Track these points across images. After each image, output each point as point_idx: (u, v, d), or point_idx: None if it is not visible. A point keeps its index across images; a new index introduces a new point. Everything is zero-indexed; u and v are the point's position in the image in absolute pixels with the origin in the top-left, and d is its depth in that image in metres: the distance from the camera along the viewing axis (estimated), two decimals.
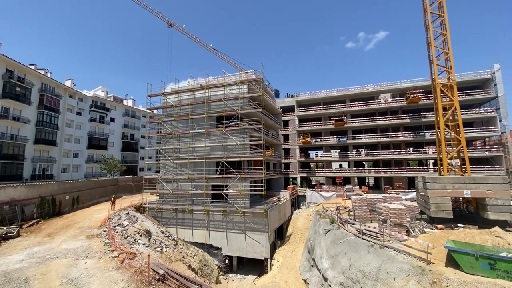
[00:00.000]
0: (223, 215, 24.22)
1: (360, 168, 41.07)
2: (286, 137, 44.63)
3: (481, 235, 12.39)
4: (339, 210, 22.22)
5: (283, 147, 42.95)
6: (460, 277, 9.78)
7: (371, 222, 17.91)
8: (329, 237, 17.03)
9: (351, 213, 20.91)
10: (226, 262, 23.45)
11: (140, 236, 20.31)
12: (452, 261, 10.68)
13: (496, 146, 34.04)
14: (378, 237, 14.01)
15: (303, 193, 36.45)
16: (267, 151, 31.34)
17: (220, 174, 25.41)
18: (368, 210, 18.71)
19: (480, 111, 35.21)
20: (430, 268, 10.59)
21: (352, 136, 39.81)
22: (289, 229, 28.88)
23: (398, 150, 37.25)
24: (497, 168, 32.38)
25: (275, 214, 25.11)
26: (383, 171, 37.17)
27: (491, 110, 34.53)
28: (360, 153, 41.50)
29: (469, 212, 16.37)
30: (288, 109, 44.67)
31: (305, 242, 21.91)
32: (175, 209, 26.40)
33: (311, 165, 52.94)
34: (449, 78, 19.91)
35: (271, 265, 22.22)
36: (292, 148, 43.68)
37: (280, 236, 27.64)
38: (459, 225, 14.86)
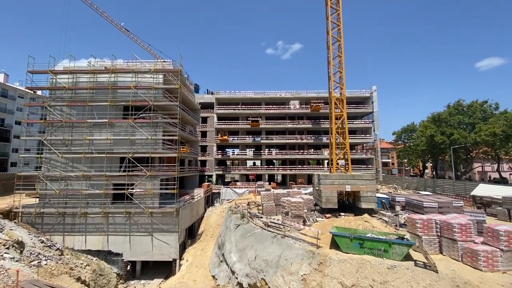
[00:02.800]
0: (127, 217, 21.75)
1: (270, 166, 44.68)
2: (204, 134, 43.97)
3: (356, 221, 15.46)
4: (249, 206, 23.43)
5: (200, 144, 42.12)
6: (340, 256, 11.89)
7: (276, 215, 19.68)
8: (238, 232, 17.74)
9: (260, 207, 22.41)
10: (128, 268, 21.17)
11: (8, 248, 15.93)
12: (334, 244, 12.89)
13: (370, 151, 43.30)
14: (280, 228, 15.51)
15: (217, 190, 36.75)
16: (183, 148, 30.04)
17: (125, 171, 22.66)
18: (274, 204, 20.48)
19: (361, 122, 44.01)
20: (319, 252, 12.48)
21: (266, 137, 42.88)
22: (201, 227, 28.55)
23: (302, 151, 42.51)
24: (370, 168, 41.20)
25: (187, 213, 24.34)
26: (289, 169, 41.60)
27: (368, 122, 43.63)
28: (272, 152, 45.12)
29: (349, 203, 20.20)
30: (208, 106, 44.14)
31: (216, 238, 22.12)
32: (62, 213, 21.96)
33: (228, 163, 54.02)
34: (341, 93, 23.94)
35: (180, 265, 21.43)
36: (210, 145, 43.43)
37: (191, 234, 26.98)
38: (341, 213, 18.12)
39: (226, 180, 46.55)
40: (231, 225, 19.08)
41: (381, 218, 17.09)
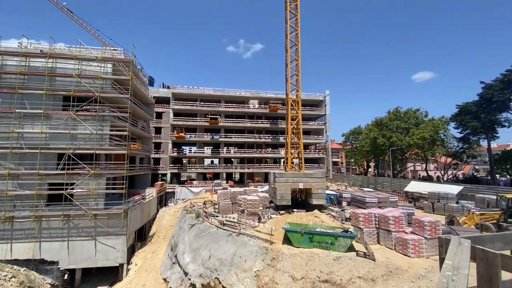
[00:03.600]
0: (65, 220, 19.47)
1: (229, 164, 44.55)
2: (158, 130, 41.66)
3: (307, 216, 16.34)
4: (205, 205, 23.02)
5: (154, 141, 39.82)
6: (291, 251, 12.43)
7: (233, 213, 19.70)
8: (193, 232, 17.28)
9: (217, 206, 22.18)
10: (66, 277, 18.97)
11: None
12: (287, 239, 13.42)
13: (322, 150, 46.18)
14: (236, 226, 15.56)
15: (172, 190, 35.24)
16: (133, 144, 28.04)
17: (63, 169, 20.20)
18: (231, 202, 20.47)
19: (315, 124, 46.64)
20: (272, 247, 12.86)
21: (224, 135, 42.54)
22: (153, 228, 27.07)
23: (260, 150, 43.32)
24: (321, 166, 43.92)
25: (137, 214, 22.83)
26: (247, 168, 42.03)
27: (321, 124, 46.45)
28: (230, 151, 44.98)
29: (302, 200, 21.28)
30: (163, 101, 41.89)
31: (169, 240, 21.22)
32: None
33: (184, 161, 52.16)
34: (297, 95, 25.01)
35: (128, 270, 20.00)
36: (164, 142, 41.35)
37: (142, 237, 25.39)
38: (294, 210, 18.99)
39: (181, 179, 44.94)
40: (185, 225, 18.49)
41: (329, 213, 18.37)
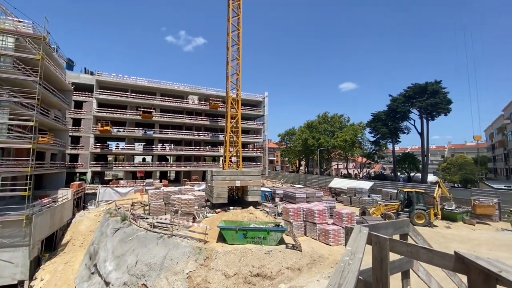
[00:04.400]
0: None
1: (163, 162, 41.82)
2: (77, 122, 36.04)
3: (242, 213, 16.69)
4: (134, 206, 21.10)
5: (71, 134, 34.35)
6: (225, 248, 12.48)
7: (165, 214, 18.61)
8: (117, 237, 15.64)
9: (147, 207, 20.59)
10: None
11: None
12: (221, 237, 13.42)
13: (260, 149, 47.88)
14: (168, 228, 14.75)
15: (94, 191, 31.08)
16: (43, 137, 23.58)
17: None
18: (163, 202, 19.29)
19: (254, 124, 48.02)
20: (206, 247, 12.67)
21: (159, 130, 39.78)
22: (66, 235, 23.36)
23: (198, 147, 42.13)
24: (258, 165, 45.52)
25: (45, 220, 19.30)
26: (183, 166, 40.30)
27: (260, 124, 48.09)
28: (166, 147, 42.36)
29: (238, 197, 21.62)
30: (85, 88, 36.42)
31: (88, 247, 18.69)
32: None
33: (109, 158, 46.68)
34: (237, 94, 25.25)
35: (31, 287, 16.74)
36: (85, 136, 36.05)
37: (51, 246, 21.61)
38: (230, 207, 19.14)
39: (106, 178, 40.10)
40: (108, 230, 16.58)
41: (263, 209, 19.17)
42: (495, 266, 1.87)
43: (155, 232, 14.59)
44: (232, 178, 19.56)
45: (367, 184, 29.23)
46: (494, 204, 20.42)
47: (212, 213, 18.14)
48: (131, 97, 38.23)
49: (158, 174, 42.63)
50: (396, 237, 3.82)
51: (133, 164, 39.94)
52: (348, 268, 1.72)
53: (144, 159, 46.89)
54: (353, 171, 72.49)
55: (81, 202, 29.44)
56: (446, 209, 20.86)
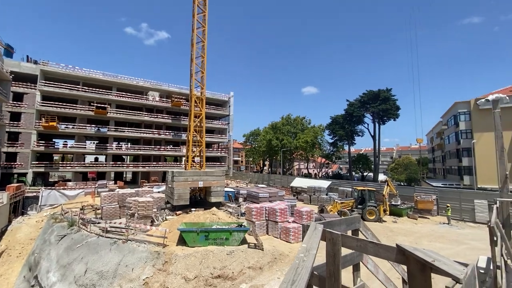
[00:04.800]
0: None
1: (119, 162, 38.95)
2: (15, 116, 31.71)
3: (205, 214, 16.32)
4: (83, 210, 19.33)
5: (8, 130, 30.14)
6: (185, 251, 12.08)
7: (120, 218, 17.37)
8: (64, 244, 14.15)
9: (99, 211, 18.99)
10: None
11: None
12: (182, 240, 12.96)
13: (225, 150, 47.46)
14: (123, 232, 13.78)
15: (35, 194, 27.65)
16: None
17: None
18: (118, 206, 17.98)
19: (219, 123, 47.42)
20: (165, 251, 12.12)
21: (115, 128, 36.98)
22: (0, 245, 20.41)
23: (159, 147, 40.15)
24: (223, 165, 45.05)
25: None
26: (141, 166, 38.06)
27: (225, 124, 47.65)
28: (122, 146, 39.58)
29: (201, 198, 21.13)
30: (27, 79, 32.18)
31: (27, 258, 16.58)
32: None
33: (56, 157, 42.01)
34: (201, 92, 24.70)
35: None
36: (26, 132, 31.88)
37: None
38: (192, 209, 18.61)
39: (51, 180, 35.97)
40: (52, 237, 14.91)
41: (226, 210, 19.03)
42: (429, 256, 2.09)
43: (108, 237, 13.52)
44: (195, 178, 19.04)
45: (325, 183, 30.85)
46: (433, 200, 23.12)
47: (173, 215, 17.43)
48: (82, 91, 34.89)
49: (112, 175, 39.60)
50: (353, 233, 4.08)
51: (84, 164, 36.49)
52: (302, 264, 1.77)
53: (96, 159, 43.16)
54: (313, 171, 75.95)
55: (19, 207, 25.94)
56: (393, 205, 23.00)
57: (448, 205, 21.48)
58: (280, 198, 21.11)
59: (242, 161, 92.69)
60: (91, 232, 14.38)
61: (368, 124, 50.16)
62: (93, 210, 19.77)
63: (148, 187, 26.84)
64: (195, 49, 23.89)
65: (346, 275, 4.37)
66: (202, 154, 23.20)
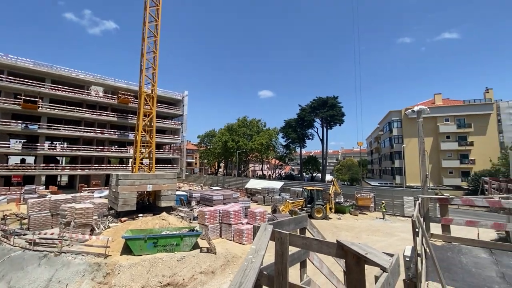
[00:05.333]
0: None
1: (52, 165, 34.20)
2: None
3: (153, 220, 15.38)
4: (5, 220, 16.47)
5: None
6: (131, 260, 11.21)
7: (52, 228, 15.27)
8: None
9: (26, 220, 16.38)
10: None
11: None
12: (127, 249, 11.98)
13: (177, 151, 45.54)
14: (56, 244, 12.14)
15: None
16: None
17: None
18: (50, 214, 15.78)
19: (171, 123, 45.34)
20: (107, 261, 11.06)
21: (48, 125, 32.41)
22: None
23: (101, 147, 36.49)
24: (175, 167, 43.16)
25: None
26: (80, 168, 34.09)
27: (178, 124, 45.75)
28: (56, 146, 34.87)
29: (149, 203, 19.86)
30: None
31: None
32: None
33: None
34: (152, 90, 23.33)
35: None
36: None
37: None
38: (139, 215, 17.36)
39: None
40: None
41: (178, 215, 18.26)
42: (363, 250, 2.34)
43: (37, 250, 11.78)
44: (143, 182, 17.82)
45: (278, 184, 31.95)
46: (370, 197, 25.80)
47: (117, 222, 16.01)
48: (7, 81, 29.80)
49: (43, 179, 34.65)
50: (300, 231, 4.31)
51: (7, 166, 31.13)
52: (251, 266, 1.81)
53: (23, 160, 37.20)
54: (268, 172, 77.96)
55: None
56: (337, 203, 24.98)
57: (383, 202, 24.24)
58: (235, 200, 21.11)
59: (196, 163, 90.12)
60: (15, 246, 12.34)
61: (317, 128, 53.76)
62: (18, 220, 16.96)
63: (88, 192, 24.19)
64: (147, 44, 22.53)
65: (294, 272, 4.60)
66: (151, 156, 21.87)
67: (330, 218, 22.42)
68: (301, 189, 28.00)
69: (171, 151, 45.61)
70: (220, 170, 73.41)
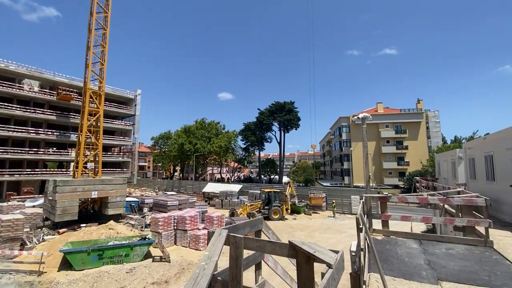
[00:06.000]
0: None
1: None
2: None
3: (99, 230, 14.00)
4: None
5: None
6: (71, 276, 10.02)
7: None
8: None
9: None
10: None
11: None
12: (67, 264, 10.69)
13: (128, 154, 42.36)
14: None
15: None
16: None
17: None
18: None
19: (122, 124, 42.02)
20: (41, 279, 9.71)
21: None
22: None
23: (36, 149, 31.98)
24: (125, 171, 40.05)
25: None
26: (8, 174, 29.36)
27: (129, 124, 42.61)
28: None
29: (94, 211, 18.05)
30: None
31: None
32: None
33: None
34: (100, 87, 21.40)
35: None
36: None
37: None
38: (82, 225, 15.63)
39: None
40: None
41: (128, 223, 16.95)
42: (312, 249, 2.49)
43: None
44: (87, 188, 16.12)
45: (236, 187, 31.94)
46: (322, 197, 27.45)
47: (54, 234, 14.16)
48: None
49: None
50: (256, 234, 4.37)
51: None
52: (203, 273, 1.78)
53: None
54: (226, 175, 77.46)
55: None
56: (291, 202, 26.01)
57: (333, 201, 26.02)
58: (191, 205, 20.43)
59: (149, 167, 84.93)
60: None
61: (275, 132, 55.37)
62: None
63: (18, 201, 20.96)
64: (94, 36, 20.65)
65: (251, 274, 4.65)
66: (98, 159, 19.96)
67: (286, 219, 23.19)
68: (259, 192, 28.44)
69: (121, 154, 42.26)
70: (176, 174, 70.35)
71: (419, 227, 16.30)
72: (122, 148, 43.93)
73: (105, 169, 33.15)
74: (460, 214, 7.12)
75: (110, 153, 40.44)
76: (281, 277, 4.69)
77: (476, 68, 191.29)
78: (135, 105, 43.51)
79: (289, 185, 25.51)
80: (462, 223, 6.22)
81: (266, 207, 22.96)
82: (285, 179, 59.56)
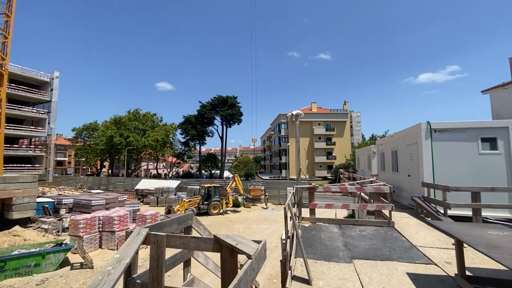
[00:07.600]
0: None
1: None
2: None
3: (0, 238, 11.54)
4: None
5: None
6: None
7: None
8: None
9: None
10: None
11: None
12: None
13: (41, 147, 35.85)
14: None
15: None
16: None
17: None
18: None
19: (33, 111, 35.16)
20: None
21: None
22: None
23: None
24: (37, 167, 33.85)
25: None
26: None
27: (43, 112, 35.97)
28: None
29: None
30: None
31: None
32: None
33: None
34: (2, 65, 17.47)
35: None
36: None
37: None
38: None
39: None
40: None
41: (39, 227, 14.42)
42: (235, 241, 2.51)
43: None
44: None
45: (174, 183, 30.49)
46: (261, 189, 28.56)
47: None
48: None
49: None
50: (185, 230, 4.20)
51: None
52: (106, 279, 1.59)
53: None
54: (163, 171, 73.17)
55: None
56: (232, 195, 26.33)
57: (267, 194, 27.58)
58: (121, 204, 18.56)
59: (69, 162, 73.74)
60: None
61: (217, 126, 54.67)
62: None
63: None
64: None
65: (179, 272, 4.48)
66: None
67: (227, 213, 23.33)
68: (199, 187, 27.79)
69: (32, 146, 35.50)
70: (103, 170, 62.88)
71: (343, 213, 18.52)
72: (33, 140, 36.98)
73: (10, 165, 27.62)
74: (371, 200, 8.33)
75: (17, 145, 33.60)
76: (213, 272, 4.67)
77: (390, 77, 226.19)
78: (51, 89, 36.94)
79: (235, 180, 25.65)
80: (372, 208, 7.27)
81: (205, 202, 22.60)
82: (226, 173, 59.65)
